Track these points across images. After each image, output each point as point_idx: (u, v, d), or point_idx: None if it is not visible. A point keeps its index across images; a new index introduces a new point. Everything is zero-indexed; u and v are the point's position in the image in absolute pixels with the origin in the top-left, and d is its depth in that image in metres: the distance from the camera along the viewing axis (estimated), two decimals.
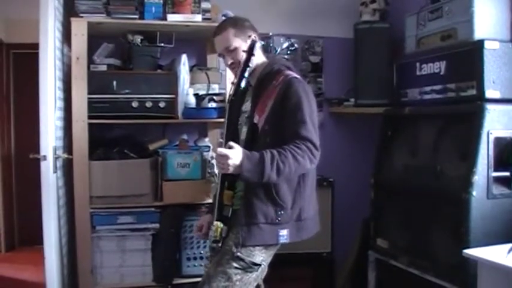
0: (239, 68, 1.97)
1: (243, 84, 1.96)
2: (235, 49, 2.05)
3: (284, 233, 1.95)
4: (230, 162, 1.78)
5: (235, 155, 1.79)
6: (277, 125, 1.94)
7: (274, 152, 1.83)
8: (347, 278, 3.30)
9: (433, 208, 2.37)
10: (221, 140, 1.94)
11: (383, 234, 2.76)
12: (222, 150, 1.81)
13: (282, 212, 1.94)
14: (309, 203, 2.03)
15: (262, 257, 1.96)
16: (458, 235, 2.17)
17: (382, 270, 2.79)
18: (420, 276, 2.41)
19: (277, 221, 1.93)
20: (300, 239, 2.01)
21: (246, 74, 1.94)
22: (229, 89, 2.07)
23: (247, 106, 2.09)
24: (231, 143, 1.83)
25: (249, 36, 2.05)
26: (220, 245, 1.96)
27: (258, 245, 1.94)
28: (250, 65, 1.93)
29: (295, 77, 2.00)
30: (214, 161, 2.55)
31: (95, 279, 2.73)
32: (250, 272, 1.95)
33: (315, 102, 2.00)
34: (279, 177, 1.84)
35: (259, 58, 2.09)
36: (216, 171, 2.44)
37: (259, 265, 1.96)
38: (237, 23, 2.10)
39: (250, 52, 1.93)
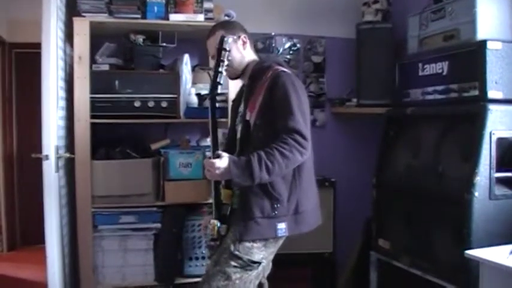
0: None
1: (221, 80, 1.97)
2: None
3: (282, 226, 1.96)
4: (217, 171, 1.86)
5: (221, 163, 1.86)
6: (268, 119, 1.96)
7: (261, 153, 1.86)
8: (348, 279, 3.29)
9: (435, 209, 2.37)
10: (219, 152, 1.94)
11: (385, 234, 2.76)
12: (208, 160, 1.91)
13: (279, 205, 1.95)
14: (306, 196, 2.03)
15: (262, 254, 1.96)
16: (460, 236, 2.16)
17: (383, 271, 2.79)
18: (422, 276, 2.40)
19: (273, 214, 1.94)
20: (300, 232, 2.01)
21: (220, 69, 1.95)
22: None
23: (242, 106, 2.12)
24: (219, 152, 1.90)
25: (239, 37, 2.09)
26: (218, 243, 2.00)
27: (256, 240, 1.94)
28: (223, 58, 1.94)
29: (283, 71, 2.02)
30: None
31: (97, 279, 2.73)
32: (250, 270, 1.95)
33: (304, 93, 2.01)
34: (270, 176, 1.87)
35: (249, 56, 2.13)
36: None
37: (259, 263, 1.97)
38: (226, 25, 2.15)
39: (220, 47, 1.94)
